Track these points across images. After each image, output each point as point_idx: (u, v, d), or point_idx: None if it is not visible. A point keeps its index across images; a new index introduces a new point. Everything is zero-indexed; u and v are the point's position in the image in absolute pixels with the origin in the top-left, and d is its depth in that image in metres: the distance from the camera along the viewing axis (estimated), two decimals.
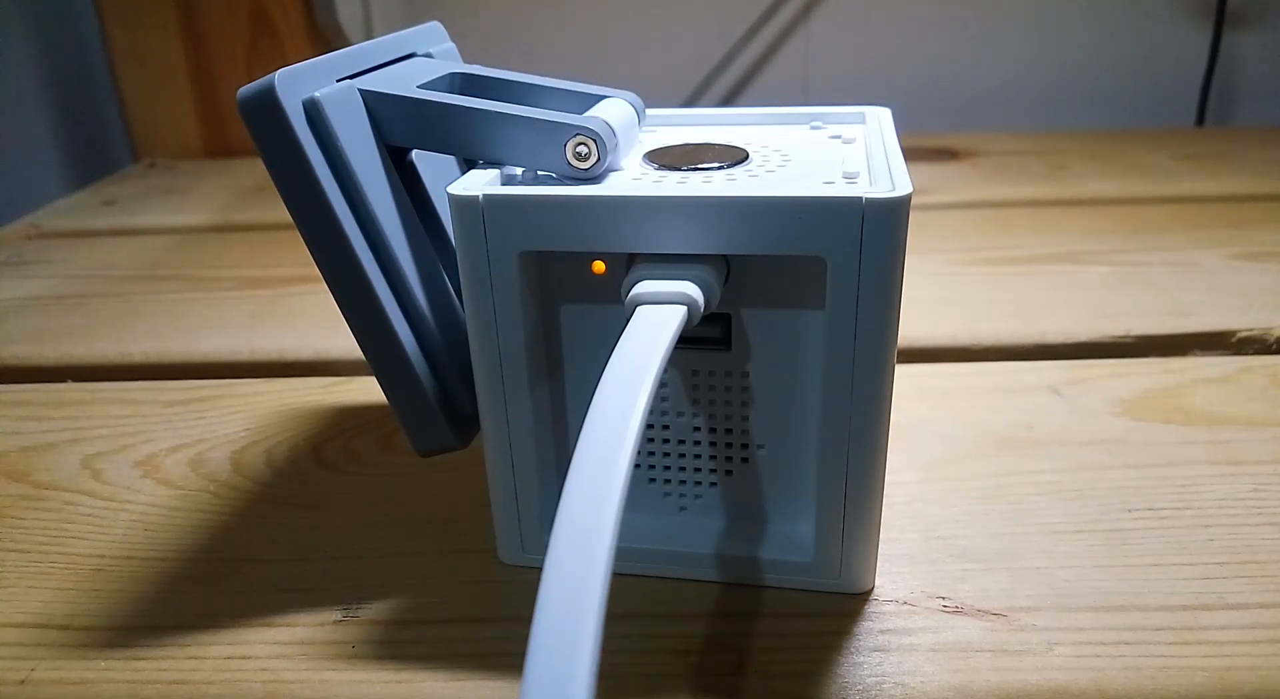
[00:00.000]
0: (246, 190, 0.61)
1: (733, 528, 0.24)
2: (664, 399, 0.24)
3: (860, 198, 0.19)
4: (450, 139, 0.23)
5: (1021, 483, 0.28)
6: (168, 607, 0.24)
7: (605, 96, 0.25)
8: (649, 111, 0.27)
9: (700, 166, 0.22)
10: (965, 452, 0.29)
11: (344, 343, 0.38)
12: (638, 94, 0.26)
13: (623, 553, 0.18)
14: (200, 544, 0.26)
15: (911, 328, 0.37)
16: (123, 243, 0.52)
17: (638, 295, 0.20)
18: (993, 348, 0.37)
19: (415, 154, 0.25)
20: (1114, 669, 0.21)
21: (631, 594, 0.24)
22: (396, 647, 0.22)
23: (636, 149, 0.24)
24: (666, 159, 0.23)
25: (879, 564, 0.24)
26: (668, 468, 0.24)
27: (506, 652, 0.22)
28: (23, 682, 0.22)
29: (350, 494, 0.28)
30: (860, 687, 0.21)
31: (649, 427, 0.24)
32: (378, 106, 0.23)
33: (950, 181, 0.57)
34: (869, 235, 0.19)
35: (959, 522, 0.26)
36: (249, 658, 0.22)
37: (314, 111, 0.21)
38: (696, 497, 0.25)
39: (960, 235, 0.48)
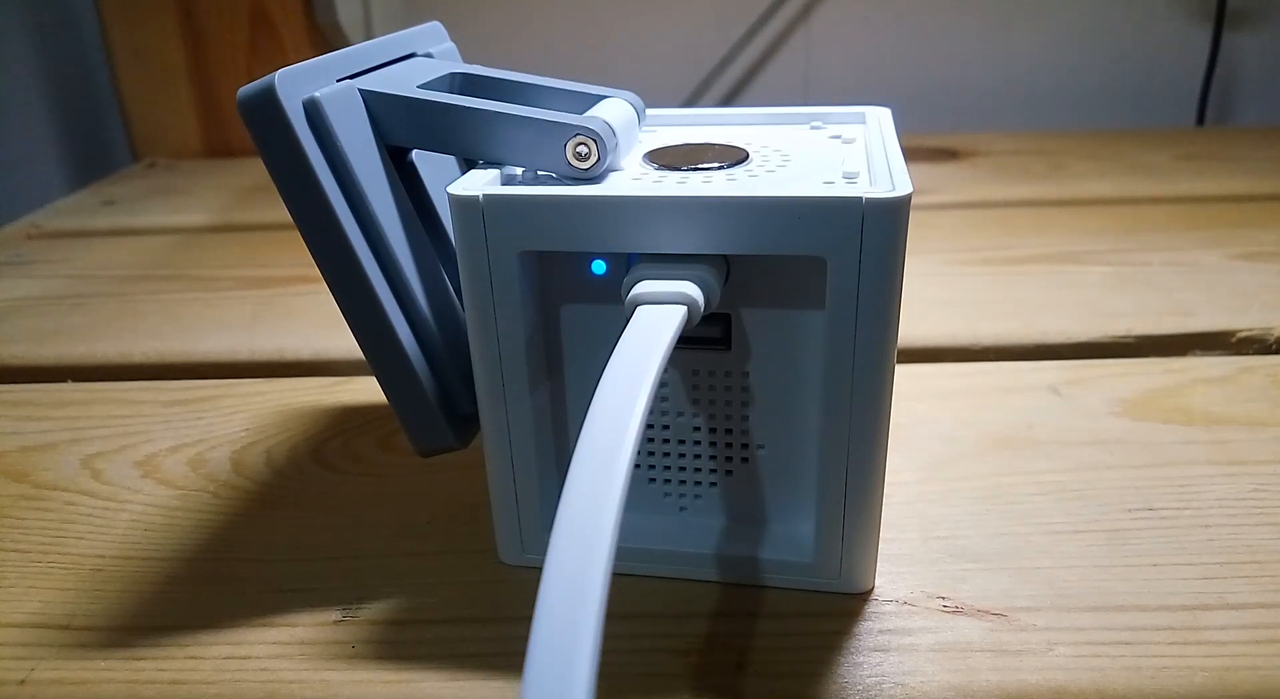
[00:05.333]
0: (246, 190, 0.61)
1: (733, 528, 0.24)
2: (664, 399, 0.24)
3: (860, 198, 0.19)
4: (450, 139, 0.23)
5: (1021, 483, 0.28)
6: (168, 607, 0.24)
7: (605, 96, 0.25)
8: (649, 111, 0.27)
9: (700, 166, 0.22)
10: (965, 452, 0.29)
11: (344, 343, 0.38)
12: (638, 94, 0.26)
13: (623, 553, 0.18)
14: (200, 544, 0.26)
15: (911, 328, 0.37)
16: (123, 243, 0.52)
17: (638, 295, 0.20)
18: (993, 348, 0.37)
19: (415, 154, 0.25)
20: (1114, 669, 0.21)
21: (631, 594, 0.24)
22: (396, 647, 0.22)
23: (636, 149, 0.24)
24: (666, 159, 0.23)
25: (879, 564, 0.24)
26: (668, 468, 0.24)
27: (506, 652, 0.22)
28: (23, 682, 0.22)
29: (350, 494, 0.28)
30: (860, 687, 0.21)
31: (649, 427, 0.24)
32: (378, 106, 0.23)
33: (950, 181, 0.57)
34: (869, 235, 0.19)
35: (959, 522, 0.26)
36: (249, 658, 0.22)
37: (314, 111, 0.21)
38: (696, 497, 0.25)
39: (960, 235, 0.48)
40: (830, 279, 0.20)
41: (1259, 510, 0.26)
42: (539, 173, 0.22)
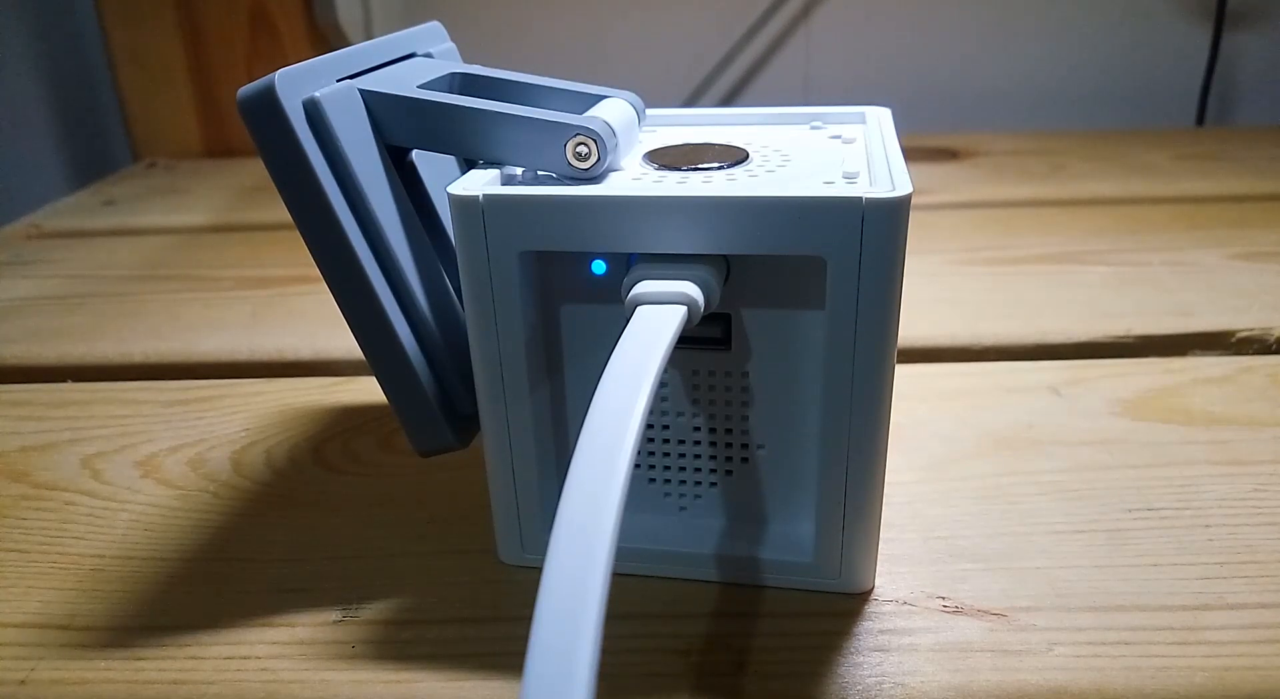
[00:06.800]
0: (246, 190, 0.61)
1: (733, 528, 0.24)
2: (664, 399, 0.24)
3: (860, 198, 0.19)
4: (450, 139, 0.23)
5: (1021, 483, 0.28)
6: (168, 607, 0.24)
7: (605, 96, 0.25)
8: (649, 111, 0.27)
9: (700, 166, 0.22)
10: (965, 452, 0.29)
11: (344, 343, 0.38)
12: (638, 94, 0.26)
13: (623, 553, 0.18)
14: (200, 544, 0.26)
15: (911, 328, 0.37)
16: (123, 243, 0.52)
17: (638, 295, 0.20)
18: (993, 348, 0.37)
19: (415, 154, 0.25)
20: (1114, 669, 0.21)
21: (631, 594, 0.24)
22: (396, 647, 0.22)
23: (636, 149, 0.24)
24: (666, 159, 0.23)
25: (879, 564, 0.24)
26: (668, 468, 0.24)
27: (506, 652, 0.22)
28: (23, 682, 0.22)
29: (350, 494, 0.28)
30: (860, 687, 0.21)
31: (649, 427, 0.24)
32: (378, 106, 0.23)
33: (950, 181, 0.57)
34: (869, 235, 0.19)
35: (959, 522, 0.26)
36: (249, 658, 0.22)
37: (314, 111, 0.21)
38: (696, 497, 0.25)
39: (960, 235, 0.48)
40: (830, 279, 0.20)
41: (1259, 510, 0.26)
42: (539, 173, 0.22)
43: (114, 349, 0.39)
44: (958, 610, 0.23)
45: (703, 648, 0.22)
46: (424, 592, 0.24)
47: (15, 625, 0.23)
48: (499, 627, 0.23)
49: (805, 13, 0.72)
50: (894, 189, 0.19)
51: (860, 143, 0.24)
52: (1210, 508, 0.26)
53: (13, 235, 0.54)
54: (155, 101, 0.69)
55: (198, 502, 0.28)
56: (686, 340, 0.22)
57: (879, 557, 0.23)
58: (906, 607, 0.23)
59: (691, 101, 0.74)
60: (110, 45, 0.68)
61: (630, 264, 0.21)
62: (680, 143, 0.25)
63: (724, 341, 0.23)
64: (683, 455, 0.24)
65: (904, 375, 0.34)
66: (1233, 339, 0.36)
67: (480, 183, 0.21)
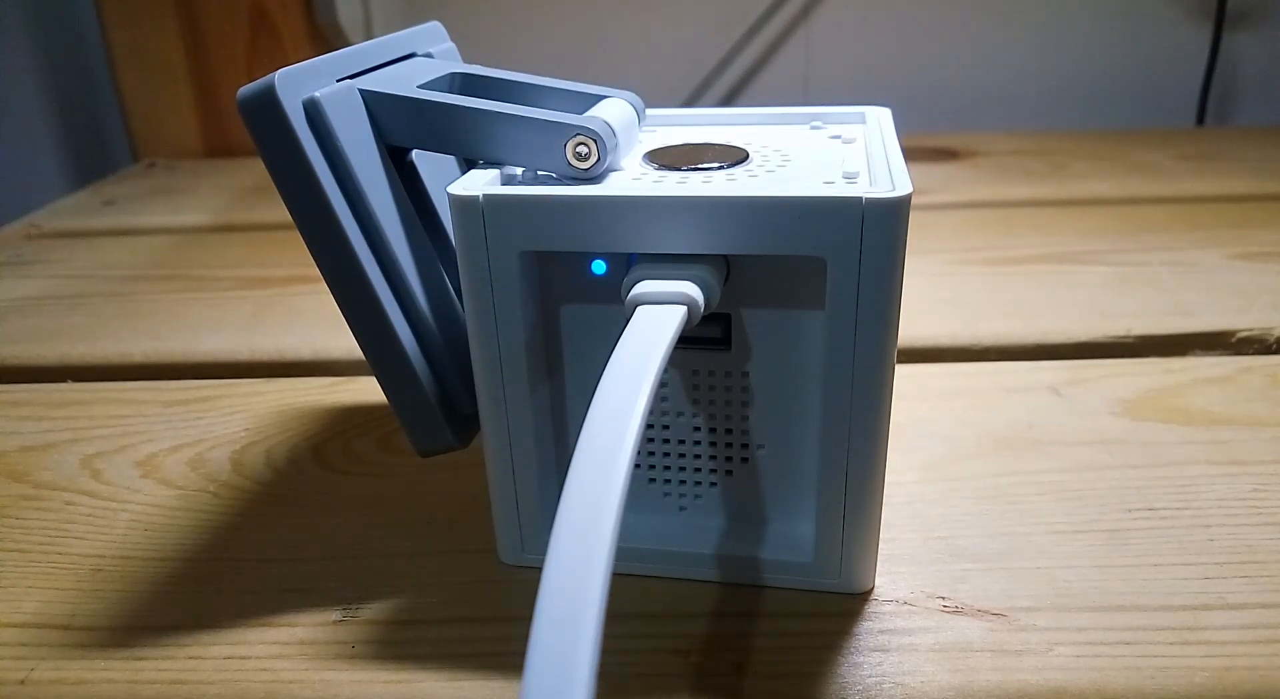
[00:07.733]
0: (246, 190, 0.61)
1: (733, 528, 0.24)
2: (664, 399, 0.24)
3: (860, 198, 0.19)
4: (450, 139, 0.23)
5: (1021, 483, 0.28)
6: (168, 607, 0.24)
7: (605, 96, 0.25)
8: (649, 111, 0.27)
9: (700, 166, 0.22)
10: (965, 451, 0.29)
11: (344, 343, 0.38)
12: (638, 94, 0.26)
13: (623, 553, 0.18)
14: (200, 544, 0.26)
15: (911, 328, 0.37)
16: (123, 243, 0.52)
17: (638, 295, 0.20)
18: (993, 348, 0.37)
19: (415, 154, 0.25)
20: (1114, 669, 0.21)
21: (631, 594, 0.24)
22: (396, 647, 0.22)
23: (636, 149, 0.24)
24: (666, 159, 0.23)
25: (879, 564, 0.24)
26: (668, 468, 0.24)
27: (506, 652, 0.22)
28: (22, 682, 0.22)
29: (350, 494, 0.28)
30: (860, 687, 0.21)
31: (649, 427, 0.24)
32: (378, 106, 0.23)
33: (950, 181, 0.57)
34: (869, 235, 0.19)
35: (959, 522, 0.26)
36: (249, 658, 0.22)
37: (314, 111, 0.21)
38: (696, 497, 0.25)
39: (960, 235, 0.48)
40: (830, 279, 0.20)
41: (1259, 510, 0.26)
42: (539, 173, 0.22)
43: (114, 349, 0.39)
44: (958, 610, 0.23)
45: (703, 648, 0.22)
46: (424, 592, 0.24)
47: (15, 625, 0.23)
48: (499, 627, 0.23)
49: (805, 13, 0.72)
50: (894, 189, 0.19)
51: (860, 143, 0.24)
52: (1210, 508, 0.26)
53: (13, 235, 0.54)
54: (155, 101, 0.69)
55: (198, 502, 0.28)
56: (686, 340, 0.22)
57: (879, 557, 0.23)
58: (906, 607, 0.23)
59: (691, 101, 0.74)
60: (110, 45, 0.68)
61: (630, 264, 0.21)
62: (680, 143, 0.25)
63: (724, 341, 0.23)
64: (683, 455, 0.24)
65: (904, 375, 0.34)
66: (1233, 339, 0.36)
67: (480, 183, 0.21)
